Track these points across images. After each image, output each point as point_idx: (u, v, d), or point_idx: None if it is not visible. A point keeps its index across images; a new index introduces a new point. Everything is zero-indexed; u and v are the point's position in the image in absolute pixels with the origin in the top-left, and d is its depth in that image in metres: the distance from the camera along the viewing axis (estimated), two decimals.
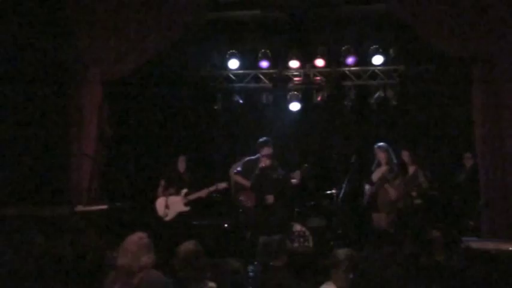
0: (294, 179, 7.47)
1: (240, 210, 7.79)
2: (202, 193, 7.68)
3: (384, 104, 9.05)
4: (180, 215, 7.69)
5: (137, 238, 3.82)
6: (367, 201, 7.78)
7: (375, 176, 7.74)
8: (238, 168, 7.71)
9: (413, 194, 7.37)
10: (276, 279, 4.37)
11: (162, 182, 7.80)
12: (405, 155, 7.66)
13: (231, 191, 7.87)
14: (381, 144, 7.76)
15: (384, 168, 7.65)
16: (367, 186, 7.79)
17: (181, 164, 7.81)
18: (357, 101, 9.16)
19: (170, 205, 7.68)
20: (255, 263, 5.36)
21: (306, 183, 8.36)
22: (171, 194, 7.73)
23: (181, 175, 7.82)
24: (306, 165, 7.71)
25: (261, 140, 7.75)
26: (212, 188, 7.66)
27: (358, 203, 8.12)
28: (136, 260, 3.71)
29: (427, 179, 7.46)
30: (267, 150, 7.47)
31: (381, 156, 7.69)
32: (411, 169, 7.58)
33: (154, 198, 7.75)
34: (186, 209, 7.71)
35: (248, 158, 7.79)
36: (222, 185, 7.64)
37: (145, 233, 3.89)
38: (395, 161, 7.66)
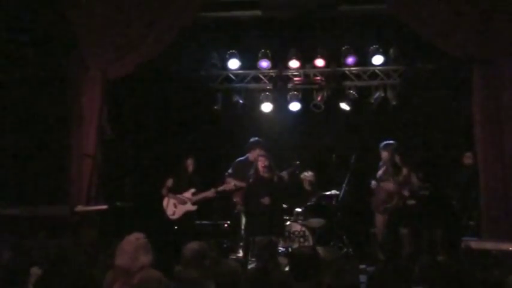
0: (284, 177, 7.55)
1: (236, 211, 7.85)
2: (210, 193, 7.75)
3: (383, 104, 9.04)
4: (187, 213, 7.77)
5: (134, 239, 3.82)
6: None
7: (378, 174, 7.77)
8: (230, 171, 7.75)
9: (406, 194, 7.38)
10: (275, 279, 4.36)
11: (169, 182, 7.84)
12: (397, 158, 7.65)
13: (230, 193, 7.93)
14: (385, 143, 7.76)
15: (382, 169, 7.68)
16: (373, 182, 7.78)
17: (190, 165, 7.87)
18: (357, 101, 9.15)
19: (178, 204, 7.77)
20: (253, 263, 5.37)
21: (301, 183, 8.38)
22: (177, 193, 7.79)
23: (189, 175, 7.88)
24: (297, 162, 7.72)
25: (251, 140, 7.77)
26: (220, 189, 7.71)
27: (358, 202, 8.12)
28: (134, 260, 3.71)
29: (420, 179, 7.46)
30: (258, 151, 7.53)
31: (383, 155, 7.71)
32: (404, 171, 7.56)
33: (161, 197, 7.83)
34: (194, 208, 7.80)
35: (238, 160, 7.83)
36: (229, 186, 7.68)
37: (142, 234, 3.89)
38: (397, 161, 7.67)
